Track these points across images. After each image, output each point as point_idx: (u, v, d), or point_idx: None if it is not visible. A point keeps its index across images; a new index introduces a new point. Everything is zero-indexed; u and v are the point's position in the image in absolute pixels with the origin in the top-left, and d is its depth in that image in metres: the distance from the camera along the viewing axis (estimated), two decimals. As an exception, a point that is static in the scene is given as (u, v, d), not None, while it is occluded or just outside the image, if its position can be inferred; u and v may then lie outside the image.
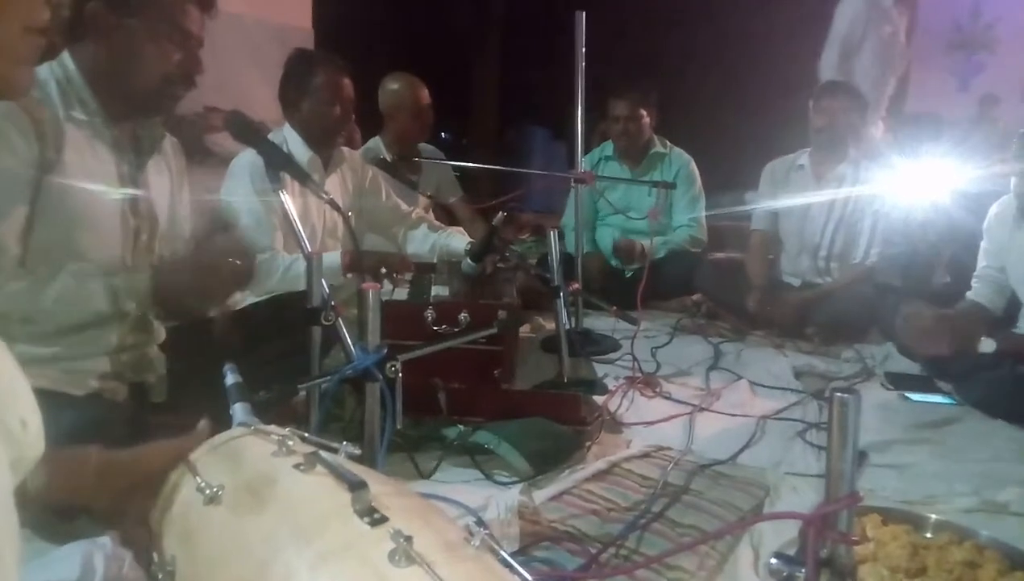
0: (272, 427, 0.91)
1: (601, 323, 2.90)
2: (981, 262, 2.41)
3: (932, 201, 2.94)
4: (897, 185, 3.12)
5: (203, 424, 0.98)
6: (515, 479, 1.67)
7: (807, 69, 4.31)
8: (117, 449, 0.95)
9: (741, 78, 6.56)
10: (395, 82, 3.31)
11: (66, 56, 1.45)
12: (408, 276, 2.43)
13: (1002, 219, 2.36)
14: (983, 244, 2.42)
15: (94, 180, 1.46)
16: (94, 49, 1.45)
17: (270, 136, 1.96)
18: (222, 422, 1.05)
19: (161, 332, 1.68)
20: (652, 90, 3.67)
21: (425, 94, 3.29)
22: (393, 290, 2.40)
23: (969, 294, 2.41)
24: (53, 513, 1.08)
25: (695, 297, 3.39)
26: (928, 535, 1.33)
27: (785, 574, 0.81)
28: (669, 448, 1.89)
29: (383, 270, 2.33)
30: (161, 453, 0.93)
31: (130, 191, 1.54)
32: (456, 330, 2.07)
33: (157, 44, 1.46)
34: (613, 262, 3.60)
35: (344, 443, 0.85)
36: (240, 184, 2.35)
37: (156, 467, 0.90)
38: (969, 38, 6.35)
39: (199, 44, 1.52)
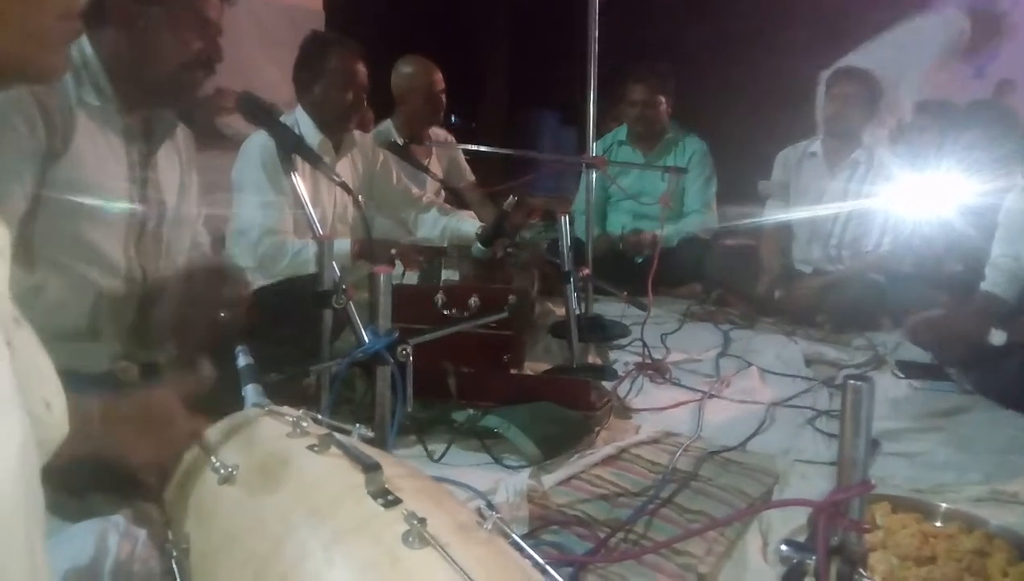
0: (285, 408, 0.92)
1: (611, 309, 2.90)
2: (995, 250, 2.39)
3: (946, 187, 2.91)
4: (911, 173, 3.10)
5: (206, 368, 1.02)
6: (524, 463, 1.67)
7: (823, 56, 4.27)
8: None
9: (756, 64, 6.50)
10: (408, 65, 3.30)
11: (84, 41, 1.45)
12: (421, 259, 2.43)
13: (1018, 207, 2.33)
14: (998, 232, 2.39)
15: (103, 167, 1.46)
16: (114, 35, 1.45)
17: (282, 118, 1.95)
18: (234, 403, 1.06)
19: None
20: (670, 75, 3.65)
21: (439, 78, 3.27)
22: (404, 274, 2.40)
23: (983, 284, 2.39)
24: (64, 489, 1.09)
25: (703, 284, 3.39)
26: (938, 524, 1.33)
27: (795, 561, 0.81)
28: (678, 434, 1.89)
29: (394, 251, 2.34)
30: (164, 395, 0.98)
31: (139, 178, 1.55)
32: (466, 314, 2.07)
33: (177, 32, 1.45)
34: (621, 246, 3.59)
35: (357, 425, 0.85)
36: (251, 166, 2.36)
37: (160, 407, 0.94)
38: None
39: (219, 32, 1.52)
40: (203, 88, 1.57)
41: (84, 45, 1.45)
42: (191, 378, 1.05)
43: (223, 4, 1.52)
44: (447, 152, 3.49)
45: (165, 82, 1.49)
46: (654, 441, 1.84)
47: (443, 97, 3.31)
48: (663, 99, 3.59)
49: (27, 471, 0.55)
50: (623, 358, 2.48)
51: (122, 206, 1.51)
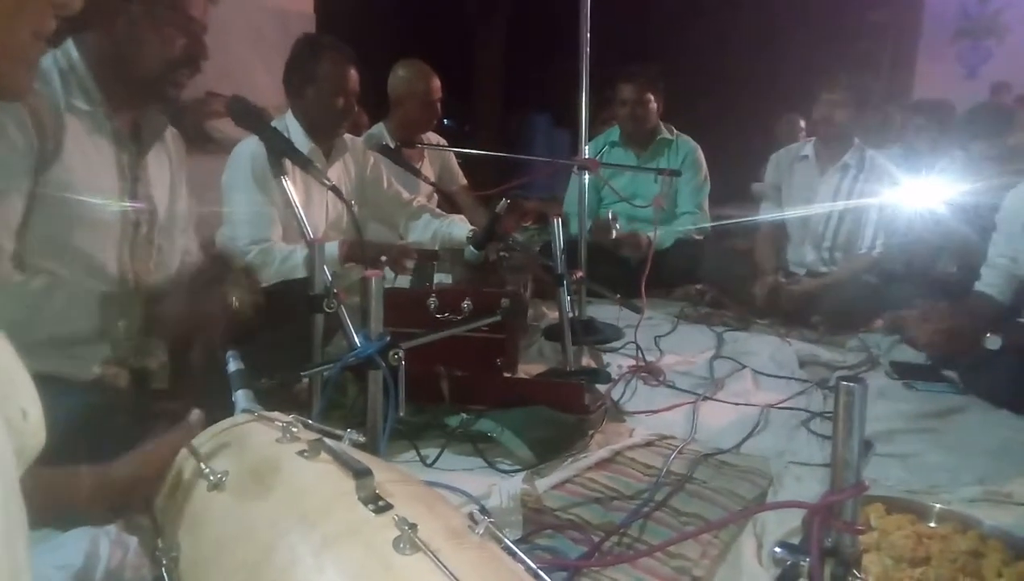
0: (276, 414, 0.91)
1: (605, 311, 2.90)
2: (992, 251, 2.39)
3: (941, 188, 2.92)
4: (903, 175, 3.10)
5: (196, 415, 1.00)
6: (518, 467, 1.67)
7: (816, 58, 4.29)
8: (105, 463, 0.97)
9: (750, 65, 6.53)
10: (407, 69, 3.28)
11: (70, 44, 1.45)
12: (410, 263, 2.42)
13: (1016, 207, 2.33)
14: (995, 234, 2.39)
15: (93, 171, 1.46)
16: (98, 36, 1.45)
17: (272, 123, 1.93)
18: (224, 408, 1.05)
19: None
20: (660, 75, 3.66)
21: (437, 86, 3.25)
22: (395, 277, 2.39)
23: (978, 284, 2.39)
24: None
25: (697, 286, 3.39)
26: (932, 525, 1.33)
27: (789, 563, 0.81)
28: (672, 437, 1.89)
29: (383, 258, 2.32)
30: (153, 458, 0.95)
31: (129, 182, 1.54)
32: (459, 318, 2.06)
33: (160, 29, 1.45)
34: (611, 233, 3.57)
35: (348, 430, 0.85)
36: (241, 171, 2.34)
37: (149, 473, 0.93)
38: (977, 25, 6.30)
39: (203, 29, 1.52)
40: (190, 89, 1.56)
41: (70, 50, 1.44)
42: (181, 431, 0.99)
43: (207, 2, 1.51)
44: (439, 155, 3.48)
45: (151, 81, 1.48)
46: (648, 444, 1.83)
47: (439, 104, 3.29)
48: (653, 98, 3.60)
49: (6, 479, 0.55)
50: (617, 361, 2.47)
51: (113, 210, 1.50)
